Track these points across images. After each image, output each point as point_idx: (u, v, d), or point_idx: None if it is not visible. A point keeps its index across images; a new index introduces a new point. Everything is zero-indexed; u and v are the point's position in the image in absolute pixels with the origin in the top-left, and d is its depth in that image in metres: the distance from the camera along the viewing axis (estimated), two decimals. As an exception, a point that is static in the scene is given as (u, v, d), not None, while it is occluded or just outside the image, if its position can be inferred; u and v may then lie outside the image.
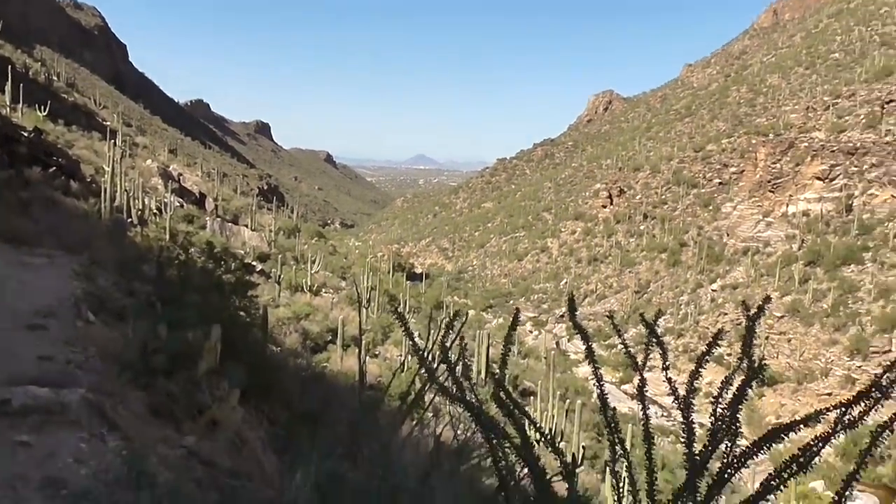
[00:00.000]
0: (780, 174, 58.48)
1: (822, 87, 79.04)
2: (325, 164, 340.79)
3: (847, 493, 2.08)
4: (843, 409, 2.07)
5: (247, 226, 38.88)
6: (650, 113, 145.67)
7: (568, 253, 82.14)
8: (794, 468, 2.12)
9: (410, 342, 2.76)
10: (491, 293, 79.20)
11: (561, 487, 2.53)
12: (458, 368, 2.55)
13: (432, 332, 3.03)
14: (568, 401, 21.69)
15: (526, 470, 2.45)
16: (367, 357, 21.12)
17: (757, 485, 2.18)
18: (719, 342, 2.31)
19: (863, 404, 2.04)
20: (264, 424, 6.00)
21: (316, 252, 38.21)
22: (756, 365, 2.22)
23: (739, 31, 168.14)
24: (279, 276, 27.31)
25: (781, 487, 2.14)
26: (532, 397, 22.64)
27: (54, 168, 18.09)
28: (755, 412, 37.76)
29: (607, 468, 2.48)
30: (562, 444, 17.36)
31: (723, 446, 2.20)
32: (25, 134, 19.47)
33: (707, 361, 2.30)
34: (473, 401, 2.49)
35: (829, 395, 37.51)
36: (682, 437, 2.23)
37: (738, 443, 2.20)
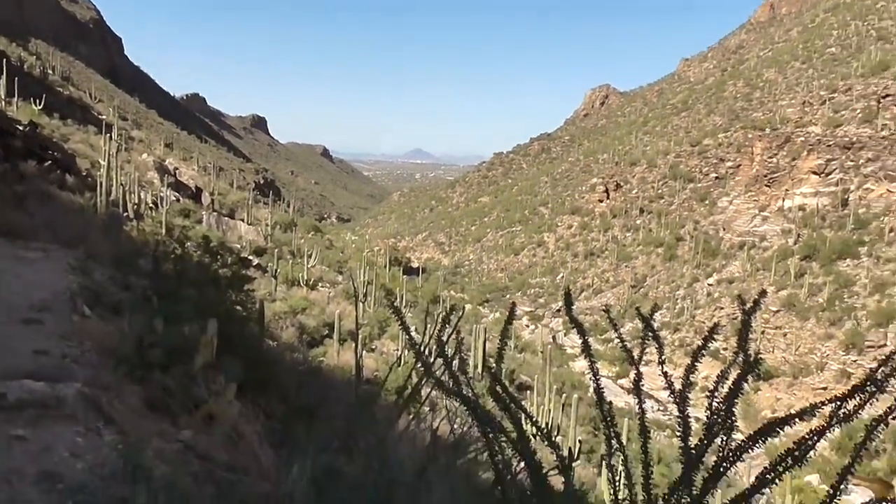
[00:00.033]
0: (777, 169, 58.52)
1: (818, 81, 79.05)
2: (322, 159, 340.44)
3: (842, 486, 2.08)
4: (838, 403, 2.08)
5: (243, 220, 38.79)
6: (647, 107, 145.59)
7: (564, 247, 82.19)
8: (790, 462, 2.12)
9: (407, 336, 2.76)
10: (487, 287, 79.27)
11: (557, 481, 2.54)
12: (455, 363, 2.55)
13: (429, 326, 3.03)
14: (564, 395, 21.72)
15: (522, 464, 2.46)
16: (364, 351, 21.12)
17: (752, 478, 2.19)
18: (715, 336, 2.32)
19: (858, 398, 2.05)
20: (261, 418, 6.00)
21: (312, 246, 38.15)
22: (752, 359, 2.22)
23: (736, 26, 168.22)
24: (275, 271, 27.26)
25: (777, 481, 2.15)
26: (528, 391, 22.65)
27: (50, 162, 18.03)
28: (751, 406, 37.88)
29: (604, 462, 2.49)
30: (558, 439, 17.41)
31: (718, 440, 2.20)
32: (21, 128, 19.40)
33: (703, 356, 2.31)
34: (470, 395, 2.49)
35: (825, 389, 37.62)
36: (678, 432, 2.24)
37: (733, 437, 2.21)
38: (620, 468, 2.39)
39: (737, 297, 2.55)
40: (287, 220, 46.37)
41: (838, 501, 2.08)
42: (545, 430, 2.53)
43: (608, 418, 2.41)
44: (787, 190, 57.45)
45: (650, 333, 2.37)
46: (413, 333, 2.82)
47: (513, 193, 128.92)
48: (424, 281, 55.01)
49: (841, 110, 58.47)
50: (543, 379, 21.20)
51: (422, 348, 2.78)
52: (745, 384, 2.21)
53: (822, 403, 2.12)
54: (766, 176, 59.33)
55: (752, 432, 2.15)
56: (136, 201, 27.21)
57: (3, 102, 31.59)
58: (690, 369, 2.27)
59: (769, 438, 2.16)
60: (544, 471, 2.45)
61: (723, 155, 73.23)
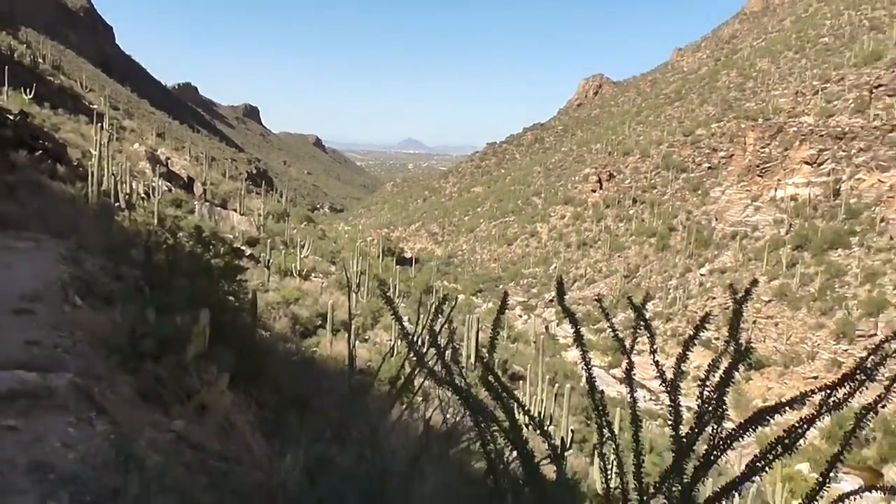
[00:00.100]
0: (769, 159, 58.63)
1: (811, 71, 79.16)
2: (315, 148, 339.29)
3: (832, 474, 2.10)
4: (828, 392, 2.09)
5: (235, 210, 38.69)
6: (640, 97, 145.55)
7: (557, 237, 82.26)
8: (780, 450, 2.14)
9: (400, 327, 2.76)
10: (480, 278, 79.32)
11: (549, 470, 2.55)
12: (448, 353, 2.56)
13: (422, 316, 3.03)
14: (557, 385, 21.78)
15: (515, 453, 2.47)
16: (357, 341, 21.14)
17: (743, 467, 2.20)
18: (706, 326, 2.33)
19: (847, 387, 2.06)
20: (253, 408, 6.01)
21: (305, 236, 38.12)
22: (743, 348, 2.23)
23: (730, 15, 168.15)
24: (268, 261, 27.25)
25: (767, 469, 2.16)
26: (521, 381, 22.71)
27: (41, 151, 17.92)
28: (742, 395, 38.08)
29: (595, 451, 2.49)
30: (550, 428, 17.46)
31: (709, 429, 2.21)
32: (11, 117, 19.26)
33: (694, 345, 2.31)
34: (462, 385, 2.50)
35: (816, 378, 37.80)
36: (670, 420, 2.25)
37: (724, 425, 2.22)
38: (612, 457, 2.40)
39: (729, 286, 2.56)
40: (280, 211, 46.28)
41: (828, 489, 2.10)
42: (537, 420, 2.54)
43: (600, 408, 2.42)
44: (779, 180, 57.59)
45: (642, 323, 2.38)
46: (406, 324, 2.82)
47: (506, 183, 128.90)
48: (417, 271, 55.04)
49: (833, 100, 58.59)
50: (536, 369, 21.24)
51: (415, 338, 2.79)
52: (737, 373, 2.22)
53: (812, 392, 2.13)
54: (758, 166, 59.45)
55: (742, 421, 2.16)
56: (128, 191, 27.10)
57: (-7, 91, 31.35)
58: (682, 359, 2.28)
59: (760, 427, 2.17)
60: (536, 460, 2.45)
61: (716, 145, 73.32)
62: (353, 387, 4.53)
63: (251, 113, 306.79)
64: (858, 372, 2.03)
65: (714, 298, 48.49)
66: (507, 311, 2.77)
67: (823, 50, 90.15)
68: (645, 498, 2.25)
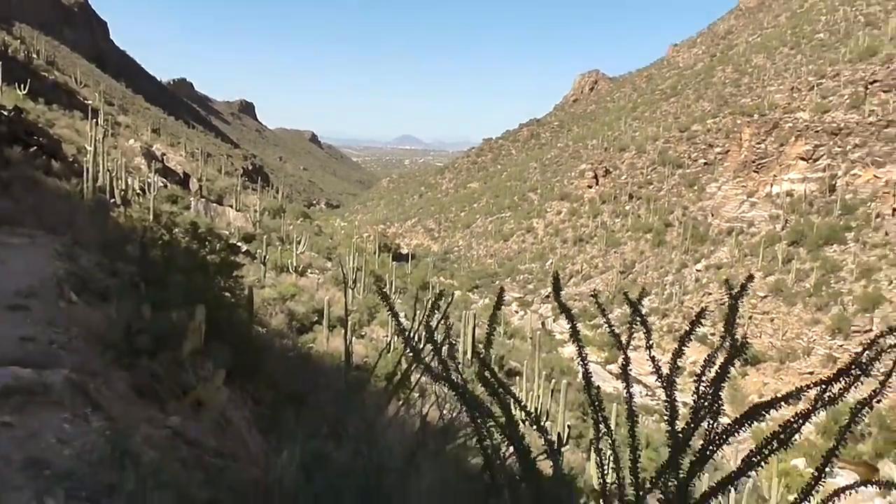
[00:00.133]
0: (765, 154, 58.72)
1: (806, 67, 79.24)
2: (311, 144, 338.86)
3: (827, 469, 2.11)
4: (824, 387, 2.10)
5: (231, 206, 38.62)
6: (636, 93, 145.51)
7: (553, 233, 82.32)
8: (775, 445, 2.14)
9: (396, 323, 2.76)
10: (477, 274, 79.36)
11: (546, 466, 2.55)
12: (444, 349, 2.56)
13: (418, 312, 3.03)
14: (553, 380, 21.82)
15: (511, 449, 2.47)
16: (353, 337, 21.13)
17: (739, 462, 2.20)
18: (702, 321, 2.33)
19: (843, 382, 2.06)
20: (249, 404, 6.00)
21: (301, 232, 38.05)
22: (739, 344, 2.23)
23: (725, 11, 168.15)
24: (264, 257, 27.18)
25: (762, 464, 2.17)
26: (517, 377, 22.73)
27: (35, 147, 17.85)
28: (738, 391, 38.18)
29: (592, 447, 2.50)
30: (547, 424, 17.48)
31: (705, 424, 2.21)
32: (5, 113, 19.18)
33: (690, 341, 2.32)
34: (459, 381, 2.50)
35: (811, 373, 37.93)
36: (666, 416, 2.25)
37: (720, 421, 2.22)
38: (609, 453, 2.40)
39: (724, 282, 2.57)
40: (276, 207, 46.22)
41: (824, 484, 2.10)
42: (534, 416, 2.54)
43: (596, 403, 2.42)
44: (774, 176, 57.69)
45: (638, 319, 2.38)
46: (402, 320, 2.82)
47: (502, 179, 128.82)
48: (414, 267, 55.09)
49: (829, 96, 58.68)
50: (532, 364, 21.28)
51: (411, 334, 2.79)
52: (732, 369, 2.22)
53: (808, 387, 2.14)
54: (754, 162, 59.54)
55: (738, 416, 2.17)
56: (124, 187, 27.02)
57: (-13, 87, 31.23)
58: (678, 354, 2.28)
59: (755, 422, 2.17)
60: (533, 456, 2.46)
61: (711, 141, 73.43)
62: (349, 383, 4.53)
63: (247, 109, 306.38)
64: (854, 367, 2.04)
65: (710, 294, 48.62)
66: (503, 306, 2.77)
67: (819, 46, 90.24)
68: (641, 493, 2.26)
